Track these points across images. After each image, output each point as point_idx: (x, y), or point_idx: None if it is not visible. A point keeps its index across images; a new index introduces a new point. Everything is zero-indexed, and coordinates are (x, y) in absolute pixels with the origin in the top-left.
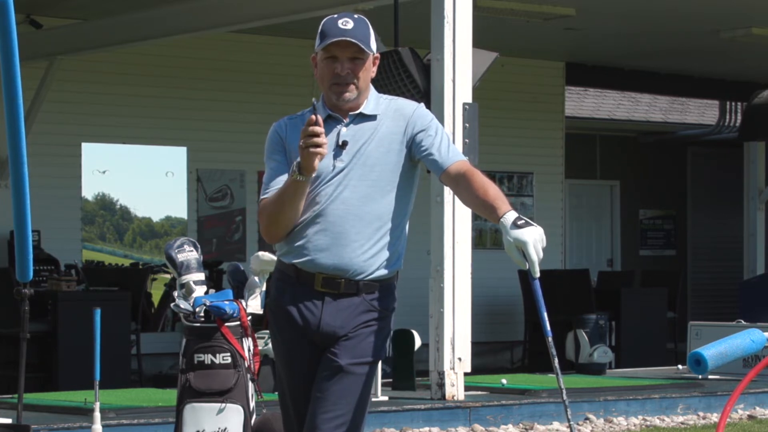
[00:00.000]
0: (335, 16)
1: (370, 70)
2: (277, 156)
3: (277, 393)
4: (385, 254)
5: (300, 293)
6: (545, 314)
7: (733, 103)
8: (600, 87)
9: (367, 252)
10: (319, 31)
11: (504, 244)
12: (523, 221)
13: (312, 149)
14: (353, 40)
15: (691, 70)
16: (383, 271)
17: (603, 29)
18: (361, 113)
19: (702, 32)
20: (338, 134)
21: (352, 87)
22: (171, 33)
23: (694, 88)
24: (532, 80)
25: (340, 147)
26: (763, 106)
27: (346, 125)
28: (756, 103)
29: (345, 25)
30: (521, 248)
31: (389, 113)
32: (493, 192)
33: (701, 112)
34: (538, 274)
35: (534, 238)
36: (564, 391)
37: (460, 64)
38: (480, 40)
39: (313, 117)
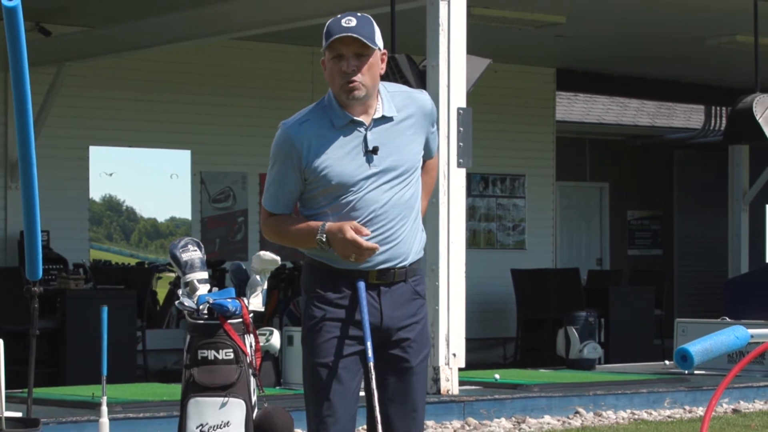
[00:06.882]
0: (339, 16)
1: (377, 66)
2: (284, 168)
3: (305, 382)
4: (418, 238)
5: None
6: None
7: (718, 108)
8: (589, 92)
9: (409, 238)
10: (324, 31)
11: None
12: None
13: (354, 254)
14: (356, 35)
15: (678, 76)
16: (419, 255)
17: (593, 36)
18: (383, 116)
19: (688, 39)
20: (365, 139)
21: (360, 84)
22: (175, 40)
23: (681, 94)
24: (524, 86)
25: (371, 152)
26: (747, 111)
27: (370, 129)
28: (740, 107)
29: (348, 23)
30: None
31: (408, 108)
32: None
33: (687, 116)
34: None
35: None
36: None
37: (454, 70)
38: (474, 47)
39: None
